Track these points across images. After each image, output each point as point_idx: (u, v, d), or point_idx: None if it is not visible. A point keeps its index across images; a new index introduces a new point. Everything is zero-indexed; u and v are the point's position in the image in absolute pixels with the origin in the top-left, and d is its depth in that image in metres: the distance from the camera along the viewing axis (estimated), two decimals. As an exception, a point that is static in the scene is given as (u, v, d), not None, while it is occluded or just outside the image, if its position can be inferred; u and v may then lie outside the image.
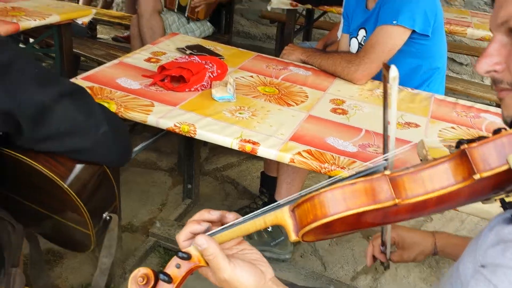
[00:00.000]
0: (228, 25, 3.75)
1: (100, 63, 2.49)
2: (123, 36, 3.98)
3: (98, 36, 4.14)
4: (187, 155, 2.06)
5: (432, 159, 0.56)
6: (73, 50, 2.30)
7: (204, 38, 3.02)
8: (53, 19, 1.92)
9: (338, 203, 0.55)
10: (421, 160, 1.00)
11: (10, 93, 0.79)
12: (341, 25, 2.16)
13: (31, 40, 2.57)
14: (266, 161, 2.01)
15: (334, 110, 1.46)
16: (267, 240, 1.81)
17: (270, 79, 1.66)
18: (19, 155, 0.91)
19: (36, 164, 0.91)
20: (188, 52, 1.76)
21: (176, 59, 1.59)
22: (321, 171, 1.15)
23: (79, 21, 2.08)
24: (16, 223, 1.07)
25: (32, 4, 2.07)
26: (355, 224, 0.57)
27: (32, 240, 1.07)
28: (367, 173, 0.57)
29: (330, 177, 1.19)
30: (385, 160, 0.60)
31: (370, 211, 0.54)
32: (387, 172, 0.55)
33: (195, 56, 1.61)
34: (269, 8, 3.04)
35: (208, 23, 3.05)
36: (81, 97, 0.91)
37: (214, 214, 0.69)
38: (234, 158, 2.55)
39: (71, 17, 2.03)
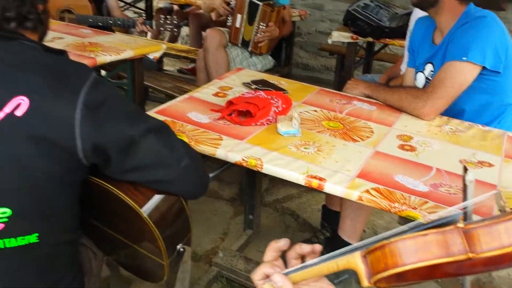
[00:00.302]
0: (288, 57, 3.82)
1: (167, 95, 2.61)
2: (187, 68, 4.15)
3: (164, 68, 4.35)
4: (249, 185, 2.09)
5: (511, 211, 0.54)
6: (144, 82, 2.42)
7: (266, 71, 3.10)
8: (127, 54, 2.05)
9: (409, 254, 0.54)
10: (499, 210, 0.96)
11: (103, 128, 0.87)
12: (405, 59, 2.14)
13: (103, 71, 2.75)
14: (329, 195, 1.99)
15: (401, 147, 1.43)
16: (331, 277, 1.77)
17: (334, 114, 1.66)
18: (105, 184, 0.97)
19: (119, 192, 0.97)
20: (253, 86, 1.80)
21: (243, 94, 1.63)
22: (391, 210, 1.13)
23: (151, 56, 2.20)
24: (97, 250, 1.14)
25: (107, 40, 2.22)
26: (428, 274, 0.57)
27: (112, 266, 1.12)
28: (441, 223, 0.57)
29: (400, 217, 1.17)
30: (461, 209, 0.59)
31: (443, 264, 0.53)
32: (461, 225, 0.54)
33: (260, 91, 1.65)
34: (329, 41, 3.07)
35: (270, 57, 3.12)
36: (165, 132, 0.98)
37: (295, 249, 0.70)
38: (294, 189, 2.55)
39: (143, 52, 2.15)
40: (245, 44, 2.91)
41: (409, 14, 2.65)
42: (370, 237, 0.62)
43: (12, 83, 0.84)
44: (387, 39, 2.84)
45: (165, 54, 3.60)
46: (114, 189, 0.96)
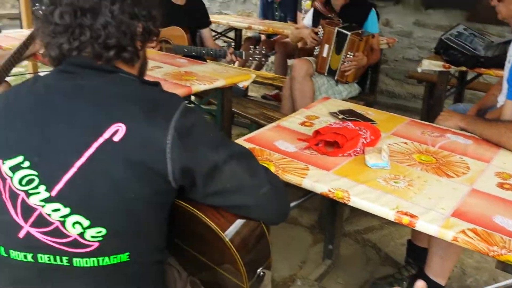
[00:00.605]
0: (374, 85, 3.76)
1: (252, 121, 2.67)
2: (271, 94, 4.24)
3: (249, 94, 4.47)
4: (330, 214, 2.06)
5: None
6: (231, 108, 2.52)
7: (351, 98, 3.07)
8: (219, 83, 2.15)
9: None
10: None
11: (191, 152, 0.92)
12: (504, 90, 2.01)
13: (192, 97, 2.90)
14: (415, 230, 1.90)
15: (500, 185, 1.34)
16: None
17: (426, 147, 1.60)
18: (190, 207, 1.01)
19: (203, 216, 1.00)
20: (340, 117, 1.80)
21: (330, 124, 1.63)
22: (489, 254, 1.05)
23: (240, 85, 2.29)
24: (182, 270, 1.18)
25: (201, 69, 2.34)
26: None
27: (195, 286, 1.15)
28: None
29: (498, 261, 1.08)
30: None
31: None
32: None
33: (348, 122, 1.63)
34: (419, 70, 2.98)
35: (356, 84, 3.09)
36: (247, 159, 1.01)
37: None
38: (376, 221, 2.47)
39: (234, 82, 2.24)
40: (331, 73, 2.92)
41: (507, 43, 2.50)
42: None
43: (111, 111, 0.91)
44: (482, 69, 2.70)
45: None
46: (199, 212, 1.00)
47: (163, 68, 2.29)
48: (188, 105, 0.99)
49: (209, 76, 2.19)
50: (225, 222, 1.02)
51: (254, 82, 3.70)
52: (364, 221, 2.47)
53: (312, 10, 3.18)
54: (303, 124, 1.76)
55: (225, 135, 1.03)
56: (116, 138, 0.89)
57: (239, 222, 1.03)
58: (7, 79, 2.02)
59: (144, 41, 1.05)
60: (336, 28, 2.80)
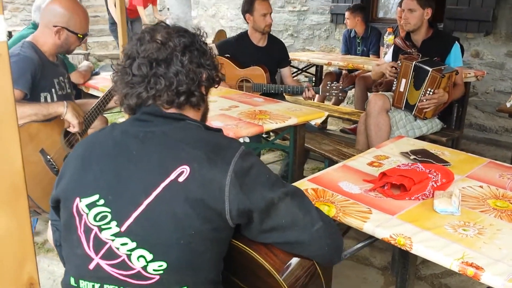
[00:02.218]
0: (460, 119, 3.54)
1: (326, 157, 2.66)
2: (350, 128, 4.18)
3: (328, 127, 4.46)
4: (402, 256, 1.95)
5: None
6: (304, 144, 2.53)
7: (432, 134, 2.93)
8: (291, 121, 2.18)
9: None
10: None
11: (248, 192, 0.98)
12: None
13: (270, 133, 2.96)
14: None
15: None
16: None
17: (504, 191, 1.47)
18: (245, 247, 1.05)
19: (257, 256, 1.04)
20: (412, 157, 1.73)
21: (398, 166, 1.58)
22: None
23: (312, 122, 2.30)
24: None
25: (275, 108, 2.40)
26: None
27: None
28: None
29: None
30: None
31: None
32: None
33: (418, 164, 1.57)
34: (508, 104, 2.77)
35: (437, 119, 2.94)
36: (299, 197, 1.05)
37: None
38: (457, 265, 2.28)
39: (306, 120, 2.26)
40: (408, 107, 2.82)
41: None
42: None
43: (178, 155, 0.99)
44: None
45: (329, 115, 3.71)
46: (253, 252, 1.04)
47: (240, 107, 2.38)
48: (247, 149, 1.04)
49: (282, 115, 2.24)
50: (279, 262, 1.04)
51: (333, 116, 3.70)
52: (441, 265, 2.29)
53: (393, 46, 3.12)
54: (371, 164, 1.72)
55: (278, 176, 1.07)
56: (181, 179, 0.96)
57: (293, 262, 1.04)
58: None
59: (208, 87, 1.15)
60: (414, 62, 2.71)
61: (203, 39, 1.14)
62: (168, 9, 8.39)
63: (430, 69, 2.65)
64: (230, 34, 6.52)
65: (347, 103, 5.54)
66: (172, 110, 1.09)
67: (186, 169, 0.96)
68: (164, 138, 1.02)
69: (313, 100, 3.88)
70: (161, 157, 0.99)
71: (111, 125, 1.12)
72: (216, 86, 1.17)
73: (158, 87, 1.06)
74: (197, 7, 7.43)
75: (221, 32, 5.96)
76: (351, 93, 4.87)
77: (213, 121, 2.07)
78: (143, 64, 1.06)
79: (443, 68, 2.69)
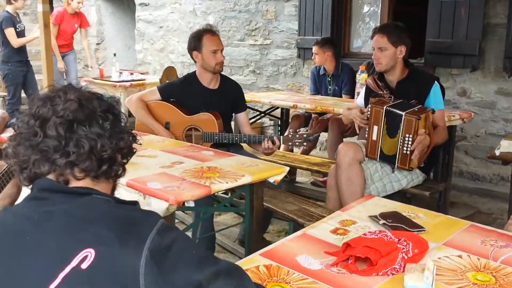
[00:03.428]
0: (447, 168, 3.65)
1: (290, 220, 2.68)
2: (322, 180, 4.24)
3: (297, 179, 4.51)
4: None
5: None
6: (264, 204, 2.54)
7: (414, 187, 3.01)
8: (245, 180, 2.20)
9: None
10: None
11: (169, 275, 0.96)
12: None
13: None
14: None
15: None
16: None
17: (486, 262, 1.52)
18: None
19: None
20: (381, 222, 1.77)
21: (364, 234, 1.61)
22: None
23: (271, 180, 2.33)
24: None
25: (227, 163, 2.41)
26: None
27: None
28: None
29: None
30: None
31: None
32: None
33: (387, 231, 1.60)
34: (497, 152, 2.89)
35: (417, 171, 3.03)
36: (236, 276, 1.03)
37: None
38: None
39: (262, 178, 2.28)
40: (385, 158, 2.89)
41: None
42: None
43: (81, 236, 0.98)
44: None
45: (296, 166, 3.78)
46: None
47: (184, 164, 2.39)
48: (166, 222, 1.04)
49: (234, 172, 2.26)
50: None
51: (301, 168, 3.76)
52: None
53: (364, 88, 3.25)
54: (335, 231, 1.74)
55: (209, 251, 1.07)
56: (84, 266, 0.94)
57: None
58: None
59: (125, 156, 1.18)
60: (385, 107, 2.81)
61: (118, 106, 1.20)
62: (102, 41, 8.47)
63: (403, 113, 2.75)
64: (182, 70, 6.64)
65: (320, 149, 5.65)
66: (81, 183, 1.09)
67: (90, 253, 0.95)
68: (64, 218, 1.02)
69: (279, 148, 3.94)
70: (60, 241, 0.98)
71: (3, 209, 1.11)
72: (129, 158, 1.20)
73: (79, 151, 1.07)
74: (142, 40, 7.57)
75: (170, 69, 6.08)
76: (324, 137, 4.99)
77: (150, 183, 2.07)
78: (61, 125, 1.07)
79: (416, 109, 2.79)
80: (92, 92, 1.16)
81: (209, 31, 3.19)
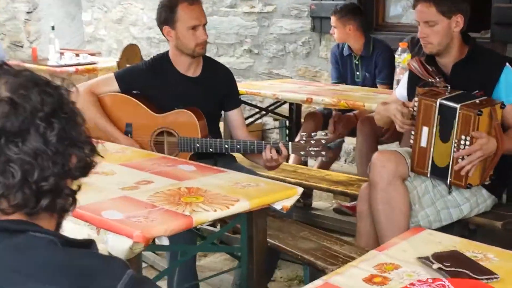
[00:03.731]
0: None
1: (306, 263, 2.67)
2: (349, 206, 4.23)
3: (314, 204, 4.51)
4: None
5: None
6: (267, 240, 2.53)
7: (479, 215, 3.00)
8: (239, 207, 2.18)
9: None
10: None
11: None
12: None
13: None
14: None
15: None
16: None
17: None
18: None
19: None
20: (435, 266, 1.77)
21: (412, 285, 1.61)
22: None
23: (278, 206, 2.32)
24: None
25: (214, 182, 2.40)
26: None
27: None
28: None
29: None
30: None
31: None
32: None
33: (444, 280, 1.60)
34: None
35: (484, 191, 3.02)
36: None
37: None
38: None
39: (266, 203, 2.28)
40: (438, 172, 2.89)
41: None
42: None
43: None
44: None
45: (312, 186, 3.77)
46: None
47: (154, 184, 2.38)
48: (137, 274, 1.04)
49: (224, 195, 2.25)
50: None
51: (319, 189, 3.76)
52: None
53: (407, 73, 3.24)
54: (369, 280, 1.74)
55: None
56: None
57: None
58: None
59: (77, 177, 1.17)
60: (438, 100, 2.82)
61: (70, 96, 1.16)
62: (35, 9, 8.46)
63: (458, 105, 2.76)
64: (149, 50, 6.65)
65: (346, 161, 5.65)
66: (12, 216, 1.08)
67: None
68: None
69: (287, 160, 3.93)
70: None
71: None
72: (82, 181, 1.19)
73: (7, 182, 1.05)
74: (92, 7, 7.60)
75: (132, 49, 6.08)
76: (351, 144, 4.98)
77: (105, 211, 2.06)
78: None
79: (478, 101, 2.79)
80: (33, 79, 1.12)
81: None
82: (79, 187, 1.18)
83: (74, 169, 1.13)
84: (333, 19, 4.68)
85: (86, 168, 1.16)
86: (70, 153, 1.12)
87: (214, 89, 3.30)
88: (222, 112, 3.41)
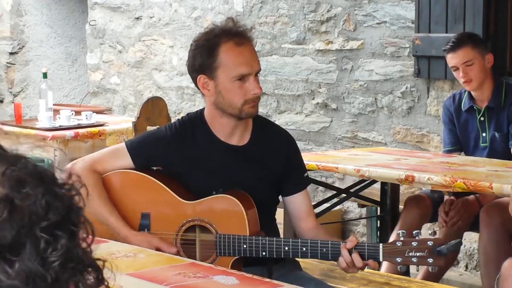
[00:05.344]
0: None
1: None
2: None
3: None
4: None
5: None
6: None
7: None
8: None
9: None
10: None
11: None
12: None
13: None
14: None
15: None
16: None
17: None
18: None
19: None
20: None
21: None
22: None
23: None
24: None
25: None
26: None
27: None
28: None
29: None
30: None
31: None
32: None
33: None
34: None
35: None
36: None
37: None
38: None
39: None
40: None
41: None
42: None
43: None
44: None
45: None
46: None
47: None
48: None
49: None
50: None
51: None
52: None
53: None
54: None
55: None
56: None
57: None
58: None
59: None
60: None
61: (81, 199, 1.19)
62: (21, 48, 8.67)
63: None
64: (180, 106, 6.75)
65: (467, 267, 5.57)
66: None
67: None
68: None
69: (378, 268, 3.90)
70: None
71: None
72: None
73: None
74: (101, 45, 7.75)
75: (155, 102, 6.17)
76: (474, 241, 4.94)
77: None
78: None
79: None
80: (37, 172, 1.14)
81: (232, 33, 3.23)
82: None
83: None
84: (463, 52, 4.61)
85: None
86: (69, 282, 1.13)
87: (268, 165, 3.33)
88: (280, 197, 3.42)
